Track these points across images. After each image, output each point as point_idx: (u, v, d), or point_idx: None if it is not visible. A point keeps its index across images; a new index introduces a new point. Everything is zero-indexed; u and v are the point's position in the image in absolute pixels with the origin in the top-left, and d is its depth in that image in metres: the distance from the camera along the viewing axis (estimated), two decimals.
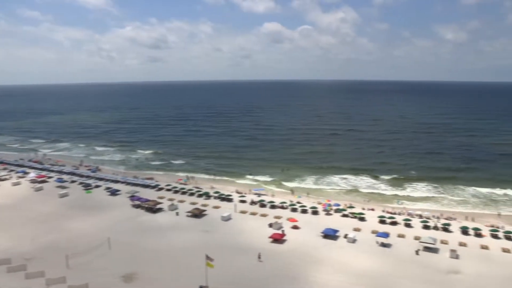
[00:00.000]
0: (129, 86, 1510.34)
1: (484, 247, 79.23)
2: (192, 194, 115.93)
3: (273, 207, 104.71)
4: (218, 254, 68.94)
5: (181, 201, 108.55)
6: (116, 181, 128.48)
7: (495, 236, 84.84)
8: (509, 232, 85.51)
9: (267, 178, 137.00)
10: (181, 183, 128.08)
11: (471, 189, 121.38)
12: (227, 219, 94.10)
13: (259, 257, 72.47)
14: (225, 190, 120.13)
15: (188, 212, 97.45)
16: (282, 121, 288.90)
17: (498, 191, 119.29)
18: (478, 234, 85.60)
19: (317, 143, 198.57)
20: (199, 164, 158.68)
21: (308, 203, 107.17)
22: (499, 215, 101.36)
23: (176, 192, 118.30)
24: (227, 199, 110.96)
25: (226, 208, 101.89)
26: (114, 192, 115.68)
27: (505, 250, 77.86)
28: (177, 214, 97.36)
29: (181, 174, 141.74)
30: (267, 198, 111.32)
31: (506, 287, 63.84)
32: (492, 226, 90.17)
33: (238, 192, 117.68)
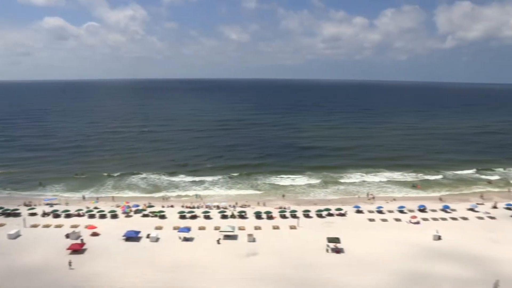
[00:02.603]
0: None
1: (276, 227, 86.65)
2: None
3: (68, 216, 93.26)
4: (9, 280, 58.65)
5: None
6: None
7: (283, 216, 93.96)
8: (294, 211, 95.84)
9: (60, 187, 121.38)
10: None
11: (262, 178, 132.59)
12: (15, 236, 79.46)
13: (70, 264, 65.39)
14: (10, 204, 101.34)
15: None
16: (71, 125, 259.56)
17: (283, 177, 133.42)
18: (270, 217, 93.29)
19: (112, 147, 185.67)
20: None
21: (106, 207, 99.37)
22: (283, 197, 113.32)
23: None
24: (13, 214, 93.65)
25: (13, 225, 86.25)
26: None
27: (292, 227, 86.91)
28: None
29: None
30: (60, 208, 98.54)
31: (295, 258, 70.48)
32: (281, 208, 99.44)
33: (26, 205, 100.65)
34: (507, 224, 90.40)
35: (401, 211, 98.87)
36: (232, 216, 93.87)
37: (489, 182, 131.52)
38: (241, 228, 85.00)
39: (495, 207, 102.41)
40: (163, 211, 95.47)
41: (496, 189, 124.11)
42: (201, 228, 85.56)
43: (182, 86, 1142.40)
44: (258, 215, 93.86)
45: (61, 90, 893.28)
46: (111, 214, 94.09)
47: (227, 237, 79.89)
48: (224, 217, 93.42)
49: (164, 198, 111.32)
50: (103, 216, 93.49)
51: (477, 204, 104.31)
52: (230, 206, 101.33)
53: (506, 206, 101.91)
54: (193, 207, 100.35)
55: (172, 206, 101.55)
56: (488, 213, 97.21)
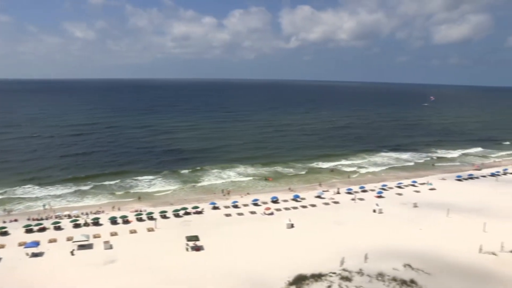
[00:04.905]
0: None
1: (133, 231, 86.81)
2: None
3: None
4: None
5: None
6: None
7: (140, 219, 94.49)
8: (150, 213, 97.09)
9: None
10: None
11: (119, 183, 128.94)
12: None
13: None
14: None
15: None
16: None
17: (140, 181, 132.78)
18: (126, 221, 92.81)
19: None
20: None
21: None
22: (139, 199, 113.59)
23: None
24: None
25: None
26: None
27: (150, 230, 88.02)
28: None
29: None
30: None
31: (155, 261, 71.97)
32: (137, 211, 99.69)
33: None
34: (348, 207, 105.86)
35: (256, 204, 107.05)
36: (86, 224, 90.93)
37: (332, 170, 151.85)
38: (96, 236, 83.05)
39: (338, 192, 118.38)
40: (4, 227, 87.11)
41: (339, 177, 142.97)
42: (52, 241, 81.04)
43: (21, 87, 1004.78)
44: (113, 221, 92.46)
45: None
46: None
47: (81, 247, 77.35)
48: (76, 226, 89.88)
49: (6, 212, 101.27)
50: None
51: (323, 191, 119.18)
52: (82, 214, 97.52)
53: (347, 191, 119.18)
54: (41, 219, 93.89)
55: (16, 220, 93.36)
56: (333, 198, 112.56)
